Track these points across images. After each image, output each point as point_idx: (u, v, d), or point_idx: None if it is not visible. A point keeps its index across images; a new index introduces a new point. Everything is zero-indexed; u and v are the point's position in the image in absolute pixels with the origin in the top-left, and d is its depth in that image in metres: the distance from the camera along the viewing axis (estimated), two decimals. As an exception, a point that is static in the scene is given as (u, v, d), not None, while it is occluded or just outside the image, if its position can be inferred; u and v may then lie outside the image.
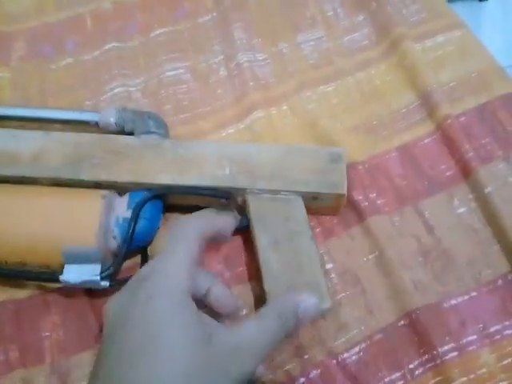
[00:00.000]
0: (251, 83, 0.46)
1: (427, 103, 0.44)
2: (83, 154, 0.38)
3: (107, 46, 0.50)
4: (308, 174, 0.37)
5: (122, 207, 0.36)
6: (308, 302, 0.31)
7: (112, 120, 0.40)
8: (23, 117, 0.41)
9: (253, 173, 0.37)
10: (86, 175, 0.37)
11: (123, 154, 0.38)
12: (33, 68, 0.49)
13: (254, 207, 0.37)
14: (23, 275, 0.36)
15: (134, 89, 0.47)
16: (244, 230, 0.38)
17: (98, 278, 0.34)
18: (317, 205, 0.38)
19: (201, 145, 0.39)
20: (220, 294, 0.33)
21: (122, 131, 0.40)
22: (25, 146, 0.38)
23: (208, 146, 0.39)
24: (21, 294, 0.37)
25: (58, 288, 0.37)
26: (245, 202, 0.37)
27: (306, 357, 0.35)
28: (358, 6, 0.51)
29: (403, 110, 0.45)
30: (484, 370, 0.34)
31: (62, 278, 0.34)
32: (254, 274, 0.37)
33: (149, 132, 0.39)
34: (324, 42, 0.49)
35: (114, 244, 0.36)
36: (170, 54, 0.49)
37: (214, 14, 0.51)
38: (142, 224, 0.36)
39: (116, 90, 0.47)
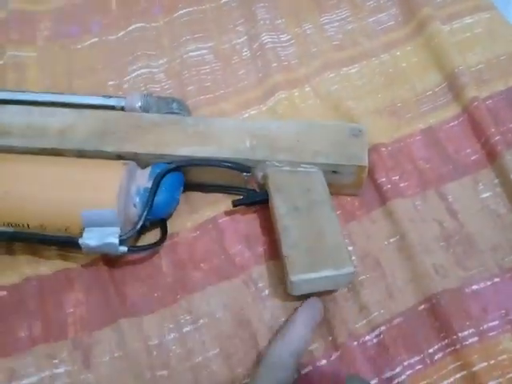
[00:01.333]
0: (274, 64, 0.46)
1: (453, 85, 0.43)
2: (108, 128, 0.39)
3: (132, 27, 0.50)
4: (328, 146, 0.37)
5: (144, 178, 0.37)
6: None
7: (138, 105, 0.41)
8: (50, 102, 0.42)
9: (272, 146, 0.38)
10: (110, 147, 0.38)
11: (146, 128, 0.39)
12: (58, 48, 0.50)
13: (274, 179, 0.37)
14: (43, 239, 0.36)
15: (157, 70, 0.47)
16: (263, 205, 0.38)
17: (117, 240, 0.34)
18: (338, 181, 0.38)
19: (222, 121, 0.39)
20: None
21: None
22: (52, 120, 0.39)
23: (229, 122, 0.39)
24: (45, 270, 0.38)
25: (82, 265, 0.38)
26: (265, 177, 0.38)
27: (330, 338, 0.35)
28: (385, -15, 0.50)
29: (429, 93, 0.44)
30: (504, 356, 0.34)
31: (81, 241, 0.34)
32: (275, 254, 0.38)
33: (172, 112, 0.41)
34: (349, 23, 0.49)
35: (134, 212, 0.36)
36: (194, 35, 0.49)
37: (238, -7, 0.51)
38: (161, 195, 0.37)
39: (140, 71, 0.47)
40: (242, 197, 0.39)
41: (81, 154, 0.38)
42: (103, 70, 0.48)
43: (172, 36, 0.49)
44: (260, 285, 0.37)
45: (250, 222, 0.39)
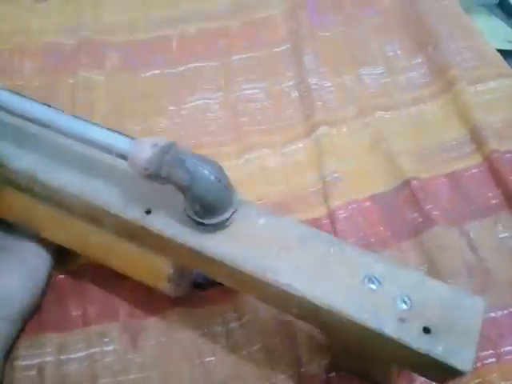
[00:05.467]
0: (318, 103, 0.52)
1: (476, 138, 0.49)
2: None
3: (190, 65, 0.56)
4: None
5: None
6: None
7: (143, 165, 0.29)
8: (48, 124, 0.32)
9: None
10: None
11: None
12: (124, 75, 0.56)
13: None
14: None
15: (212, 101, 0.53)
16: None
17: None
18: None
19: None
20: None
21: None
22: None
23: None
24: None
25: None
26: None
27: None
28: (416, 49, 0.57)
29: (453, 143, 0.50)
30: (520, 379, 0.37)
31: None
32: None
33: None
34: (383, 77, 0.55)
35: None
36: (248, 76, 0.55)
37: (288, 44, 0.58)
38: None
39: (197, 102, 0.53)
40: None
41: None
42: (163, 98, 0.54)
43: (228, 76, 0.55)
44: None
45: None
